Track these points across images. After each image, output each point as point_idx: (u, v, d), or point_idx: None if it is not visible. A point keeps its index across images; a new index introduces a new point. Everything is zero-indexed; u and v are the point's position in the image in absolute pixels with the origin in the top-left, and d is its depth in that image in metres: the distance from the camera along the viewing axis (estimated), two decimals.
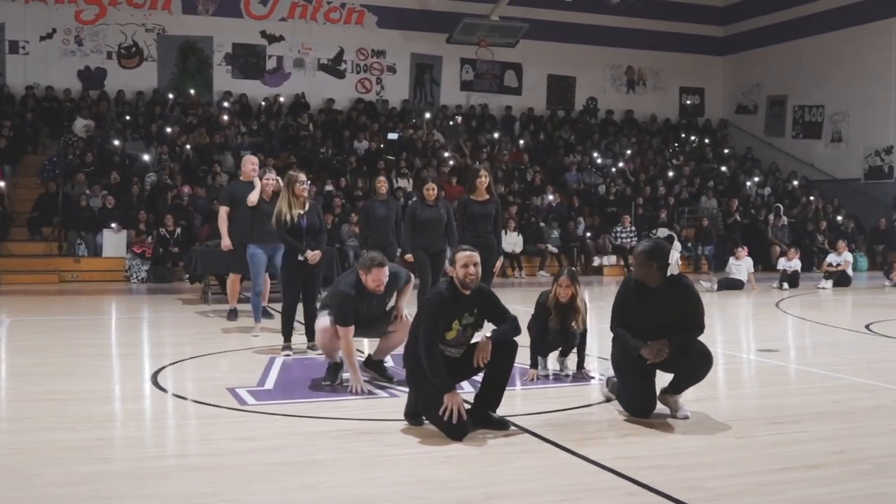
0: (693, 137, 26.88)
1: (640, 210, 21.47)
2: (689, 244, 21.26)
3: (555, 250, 19.76)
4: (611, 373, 6.33)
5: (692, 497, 4.28)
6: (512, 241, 19.06)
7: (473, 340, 5.70)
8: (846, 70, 24.22)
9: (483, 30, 25.11)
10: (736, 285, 16.16)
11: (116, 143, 20.15)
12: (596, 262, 20.09)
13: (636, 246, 5.89)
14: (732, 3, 28.22)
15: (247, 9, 24.16)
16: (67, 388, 6.74)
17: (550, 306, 7.18)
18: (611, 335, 6.00)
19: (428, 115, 24.76)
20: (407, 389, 5.81)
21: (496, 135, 24.66)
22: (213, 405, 6.13)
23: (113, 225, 17.18)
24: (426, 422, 5.59)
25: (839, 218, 22.71)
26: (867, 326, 10.82)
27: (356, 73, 25.47)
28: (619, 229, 20.43)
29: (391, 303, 7.04)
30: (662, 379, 5.92)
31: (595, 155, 24.51)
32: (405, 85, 25.92)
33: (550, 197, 21.13)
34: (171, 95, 22.83)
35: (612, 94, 27.97)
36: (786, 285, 16.22)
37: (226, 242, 10.92)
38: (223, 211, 10.99)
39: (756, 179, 24.21)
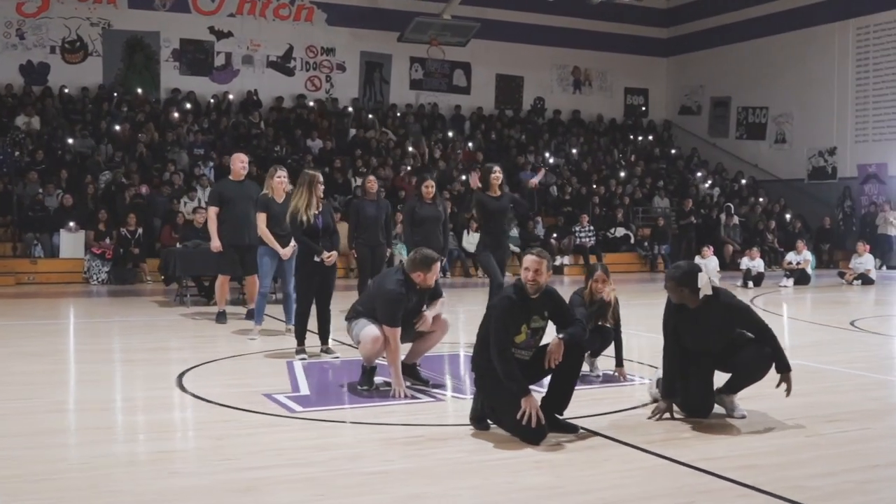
0: (640, 137, 27.20)
1: (596, 209, 21.62)
2: (646, 244, 21.52)
3: (516, 250, 19.72)
4: (660, 374, 6.30)
5: (804, 497, 4.26)
6: (472, 241, 18.97)
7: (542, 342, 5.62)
8: (790, 72, 24.81)
9: (435, 28, 24.99)
10: None
11: (70, 140, 19.45)
12: (558, 261, 20.15)
13: (667, 272, 5.89)
14: (675, 6, 28.67)
15: (195, 4, 23.62)
16: (97, 396, 6.44)
17: (587, 303, 7.12)
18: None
19: (372, 116, 24.50)
20: (446, 392, 5.69)
21: (450, 134, 24.58)
22: (262, 413, 5.91)
23: (70, 224, 16.57)
24: (492, 426, 5.49)
25: (787, 217, 23.19)
26: (852, 323, 11.06)
27: (305, 70, 25.13)
28: (577, 229, 20.55)
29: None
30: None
31: (547, 154, 24.62)
32: (355, 83, 25.68)
33: (516, 195, 21.07)
34: (115, 94, 22.13)
35: (559, 94, 28.17)
36: (750, 284, 16.49)
37: (215, 244, 10.61)
38: (212, 211, 10.68)
39: (709, 181, 24.59)
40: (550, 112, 27.64)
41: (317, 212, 8.14)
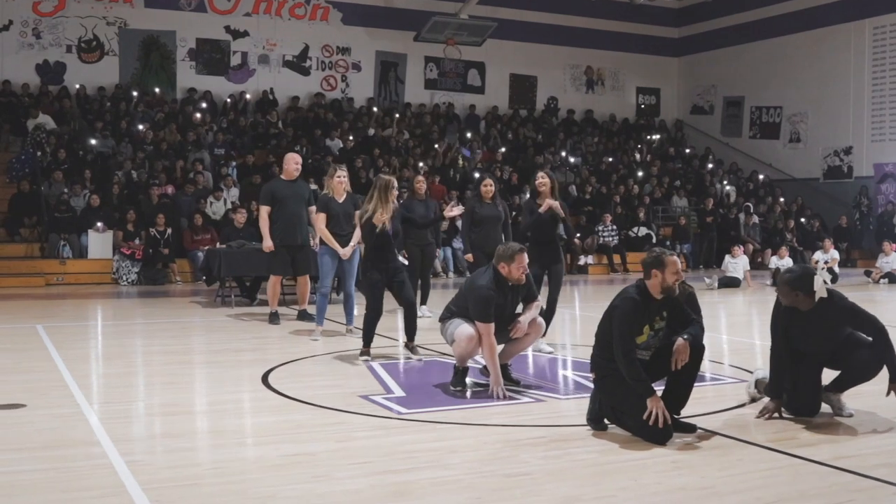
0: (656, 137, 27.23)
1: (618, 209, 21.63)
2: (668, 243, 21.52)
3: None
4: (760, 374, 6.29)
5: None
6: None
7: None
8: (804, 72, 24.87)
9: (452, 28, 25.01)
10: (733, 283, 16.42)
11: (93, 141, 19.32)
12: (581, 261, 20.15)
13: (781, 275, 5.86)
14: (687, 5, 28.70)
15: (211, 3, 23.51)
16: (192, 398, 6.40)
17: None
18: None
19: (397, 115, 24.50)
20: (540, 393, 5.62)
21: (468, 134, 24.56)
22: (370, 415, 5.87)
23: (98, 225, 16.45)
24: (610, 426, 5.47)
25: (803, 219, 23.24)
26: None
27: (321, 70, 25.05)
28: (600, 228, 20.55)
29: (519, 308, 6.85)
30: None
31: (564, 154, 24.63)
32: (370, 83, 25.62)
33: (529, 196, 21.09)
34: (135, 93, 22.02)
35: (573, 94, 28.17)
36: None
37: (267, 244, 10.57)
38: (264, 211, 10.63)
39: (725, 181, 24.62)
40: (564, 112, 27.64)
41: (389, 218, 8.08)
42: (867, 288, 17.04)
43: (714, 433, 5.44)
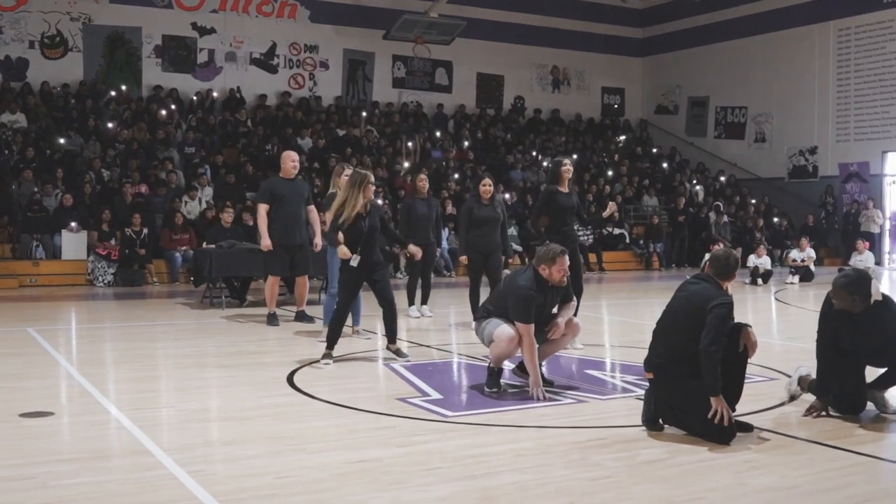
0: (623, 137, 27.38)
1: (592, 208, 21.66)
2: (641, 242, 21.67)
3: (519, 248, 19.70)
4: (803, 371, 6.28)
5: None
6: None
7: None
8: (769, 73, 25.16)
9: (421, 26, 24.87)
10: None
11: (62, 140, 18.83)
12: None
13: (836, 280, 5.85)
14: (651, 6, 28.90)
15: (177, 0, 23.08)
16: (225, 404, 6.20)
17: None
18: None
19: (364, 114, 24.31)
20: (578, 394, 5.60)
21: (437, 133, 24.46)
22: (418, 418, 5.75)
23: (72, 225, 16.00)
24: (665, 427, 5.42)
25: (776, 219, 23.51)
26: None
27: (289, 68, 24.73)
28: (576, 227, 20.52)
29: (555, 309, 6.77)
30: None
31: (534, 153, 24.64)
32: (338, 81, 25.36)
33: (507, 195, 21.05)
34: (112, 92, 21.49)
35: (539, 94, 28.20)
36: (759, 281, 16.68)
37: (266, 242, 10.34)
38: (262, 209, 10.40)
39: (695, 181, 24.83)
40: (531, 111, 27.66)
41: (364, 213, 7.90)
42: None
43: (771, 432, 5.42)
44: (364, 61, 25.71)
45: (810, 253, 17.69)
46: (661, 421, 5.48)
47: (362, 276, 7.90)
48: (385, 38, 25.16)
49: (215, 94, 23.18)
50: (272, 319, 10.51)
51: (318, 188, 18.37)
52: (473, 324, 6.88)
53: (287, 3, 24.44)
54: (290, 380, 7.04)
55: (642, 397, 6.39)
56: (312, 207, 10.93)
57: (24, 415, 5.78)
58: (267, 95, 23.83)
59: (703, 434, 5.20)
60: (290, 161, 10.60)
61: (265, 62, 24.34)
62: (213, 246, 12.37)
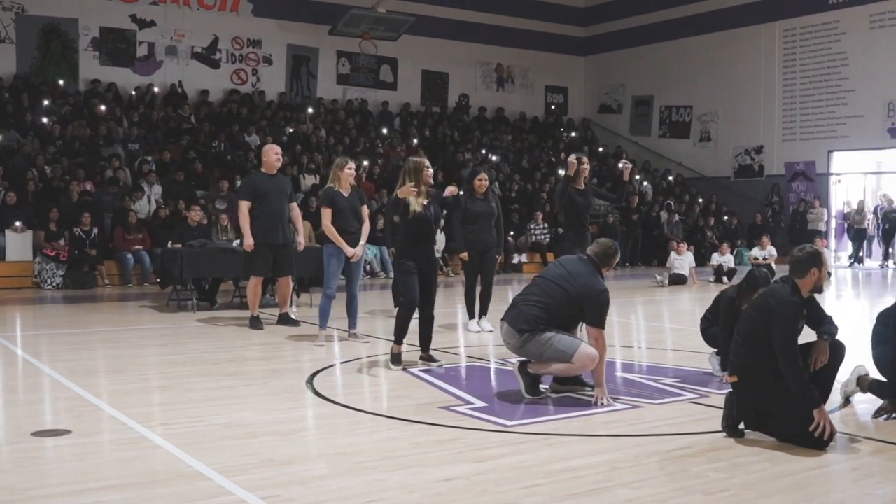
0: (571, 135, 27.29)
1: (547, 206, 21.46)
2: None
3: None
4: (862, 371, 6.04)
5: None
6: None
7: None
8: (715, 73, 25.36)
9: (368, 22, 24.36)
10: (680, 280, 16.44)
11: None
12: (515, 259, 19.88)
13: None
14: (593, 5, 28.90)
15: None
16: (257, 417, 5.67)
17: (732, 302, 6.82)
18: None
19: (310, 110, 23.70)
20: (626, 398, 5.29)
21: (384, 130, 23.98)
22: (480, 430, 5.33)
23: (17, 224, 15.05)
24: (747, 432, 5.11)
25: (725, 217, 23.66)
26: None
27: (231, 63, 23.95)
28: (532, 226, 20.33)
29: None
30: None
31: (484, 151, 24.34)
32: (281, 77, 24.68)
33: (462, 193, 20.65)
34: (43, 85, 20.45)
35: (483, 92, 27.96)
36: (724, 279, 16.65)
37: (248, 242, 9.79)
38: (245, 206, 9.85)
39: (645, 181, 24.83)
40: (475, 109, 27.39)
41: (426, 201, 7.51)
42: None
43: (859, 437, 5.16)
44: (308, 57, 25.08)
45: (772, 251, 17.75)
46: (742, 426, 5.16)
47: (420, 273, 7.42)
48: (331, 34, 24.59)
49: (156, 90, 22.29)
50: (256, 323, 9.95)
51: None
52: (503, 329, 6.35)
53: None
54: (311, 388, 6.54)
55: (696, 401, 6.14)
56: (294, 205, 10.41)
57: (37, 434, 5.17)
58: (209, 91, 23.04)
59: (794, 440, 4.90)
60: (274, 154, 10.08)
61: (207, 57, 23.55)
62: (179, 245, 11.69)
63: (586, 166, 9.17)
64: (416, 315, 7.50)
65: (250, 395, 6.38)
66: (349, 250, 8.71)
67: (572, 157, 9.47)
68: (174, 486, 4.23)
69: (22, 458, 4.73)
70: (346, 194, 8.88)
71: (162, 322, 10.69)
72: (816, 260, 5.08)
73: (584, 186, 9.24)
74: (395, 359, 7.44)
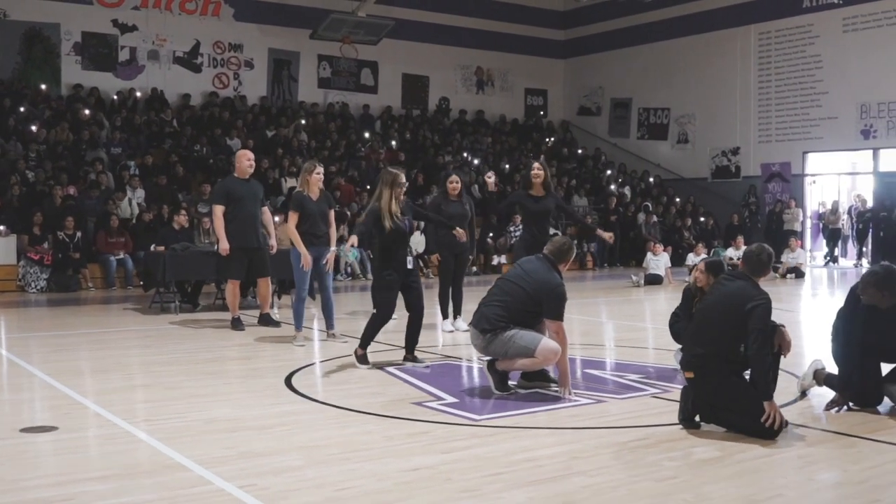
0: (551, 138, 27.59)
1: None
2: (575, 242, 21.77)
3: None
4: (818, 364, 6.32)
5: None
6: (415, 241, 18.69)
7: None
8: (692, 75, 25.70)
9: (348, 26, 24.56)
10: (656, 280, 16.74)
11: None
12: (495, 261, 20.15)
13: (865, 277, 5.89)
14: (573, 8, 29.20)
15: None
16: (238, 413, 5.90)
17: (693, 294, 7.07)
18: None
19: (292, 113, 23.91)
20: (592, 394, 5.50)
21: (366, 134, 24.21)
22: (449, 423, 5.58)
23: (1, 228, 15.20)
24: (703, 424, 5.38)
25: (702, 218, 23.99)
26: None
27: (213, 67, 24.13)
28: (512, 228, 20.58)
29: None
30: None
31: (465, 154, 24.60)
32: (263, 81, 24.87)
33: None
34: (26, 89, 20.59)
35: (463, 94, 28.20)
36: None
37: (224, 246, 10.02)
38: (219, 210, 10.06)
39: (621, 181, 25.15)
40: (456, 112, 27.64)
41: (399, 214, 7.71)
42: (774, 283, 17.68)
43: (808, 427, 5.44)
44: (289, 61, 25.28)
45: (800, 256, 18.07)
46: (697, 419, 5.43)
47: (400, 281, 7.63)
48: (312, 38, 24.77)
49: (138, 94, 22.44)
50: (237, 324, 10.16)
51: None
52: (470, 331, 6.62)
53: (211, 1, 23.84)
54: (289, 385, 6.78)
55: (659, 395, 6.41)
56: (266, 209, 10.64)
57: (25, 430, 5.40)
58: (191, 95, 23.22)
59: (747, 431, 5.17)
60: (247, 160, 10.28)
61: (189, 61, 23.70)
62: (162, 248, 11.89)
63: (536, 172, 9.31)
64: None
65: (231, 392, 6.62)
66: (307, 257, 8.84)
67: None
68: (157, 477, 4.46)
69: (10, 452, 4.94)
70: (314, 198, 9.08)
71: (145, 324, 10.90)
72: (770, 263, 5.42)
73: (542, 193, 9.36)
74: (362, 359, 7.65)
